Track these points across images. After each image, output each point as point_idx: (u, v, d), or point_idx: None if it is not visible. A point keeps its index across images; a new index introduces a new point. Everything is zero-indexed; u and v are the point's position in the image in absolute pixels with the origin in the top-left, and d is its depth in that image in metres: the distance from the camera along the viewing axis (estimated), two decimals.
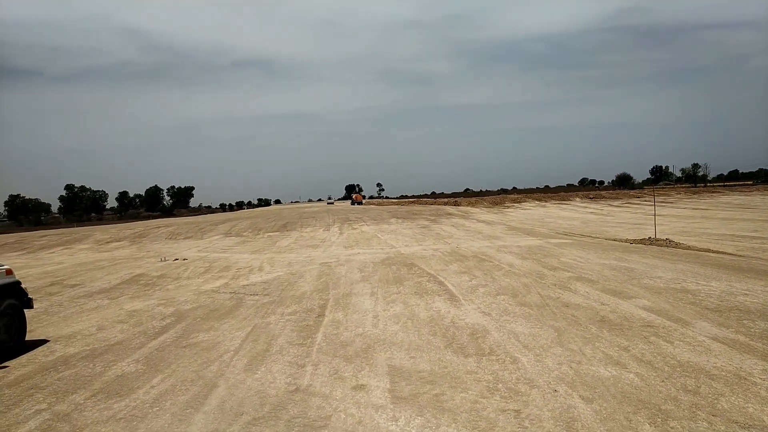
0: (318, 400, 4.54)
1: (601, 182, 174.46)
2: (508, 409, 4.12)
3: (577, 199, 58.90)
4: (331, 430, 3.97)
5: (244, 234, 26.86)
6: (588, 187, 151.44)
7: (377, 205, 70.07)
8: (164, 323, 7.86)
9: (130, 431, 4.11)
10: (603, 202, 53.92)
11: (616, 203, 51.06)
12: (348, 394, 4.64)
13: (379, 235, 21.73)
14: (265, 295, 9.78)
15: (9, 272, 7.10)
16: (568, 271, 10.32)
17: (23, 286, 7.30)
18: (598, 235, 19.87)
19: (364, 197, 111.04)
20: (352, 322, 7.25)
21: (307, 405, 4.46)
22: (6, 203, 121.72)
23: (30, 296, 7.34)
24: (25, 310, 7.13)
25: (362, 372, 5.22)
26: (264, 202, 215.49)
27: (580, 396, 4.28)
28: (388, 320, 7.25)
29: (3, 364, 6.15)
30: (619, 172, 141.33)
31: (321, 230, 26.74)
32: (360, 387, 4.81)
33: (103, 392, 5.02)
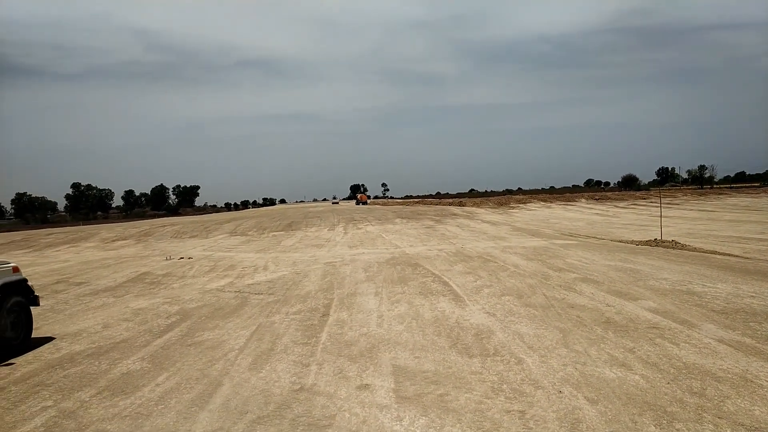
0: (322, 400, 4.55)
1: (607, 183, 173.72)
2: (513, 410, 4.11)
3: (583, 200, 58.73)
4: (336, 429, 3.97)
5: (249, 233, 26.93)
6: (593, 188, 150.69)
7: (382, 205, 70.07)
8: (169, 321, 7.89)
9: (135, 429, 4.13)
10: (608, 203, 53.73)
11: (621, 204, 50.87)
12: (352, 394, 4.64)
13: (383, 235, 21.74)
14: (269, 294, 9.80)
15: (16, 270, 7.14)
16: (574, 273, 10.29)
17: (30, 283, 7.33)
18: (603, 237, 19.80)
19: (368, 197, 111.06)
20: (357, 322, 7.26)
21: (311, 404, 4.46)
22: (13, 201, 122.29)
23: (36, 294, 7.38)
24: (31, 308, 7.17)
25: (367, 372, 5.22)
26: (269, 202, 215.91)
27: (585, 397, 4.26)
28: (392, 320, 7.25)
29: (9, 361, 6.18)
30: (625, 173, 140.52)
31: (326, 230, 26.77)
32: (364, 386, 4.81)
33: (108, 390, 5.04)
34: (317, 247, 18.64)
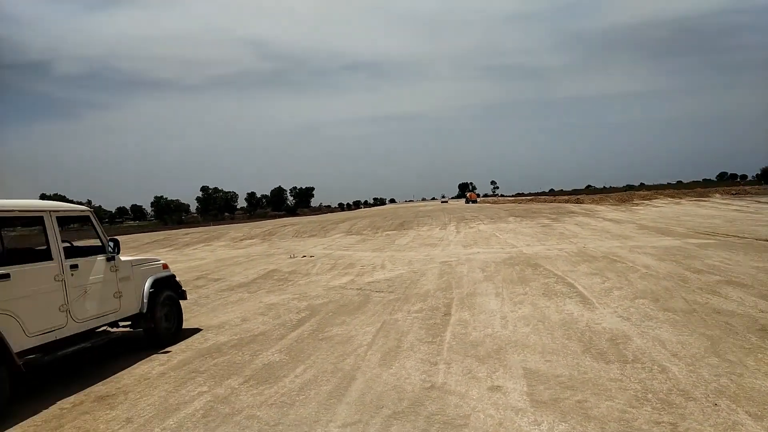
0: (455, 399, 4.57)
1: (744, 176, 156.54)
2: (663, 422, 3.85)
3: (717, 195, 53.44)
4: (472, 429, 3.97)
5: (364, 232, 27.66)
6: (728, 182, 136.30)
7: (492, 203, 68.77)
8: (300, 316, 8.34)
9: (282, 417, 4.42)
10: (748, 198, 48.40)
11: (764, 200, 45.63)
12: (484, 395, 4.61)
13: (497, 234, 21.31)
14: (389, 292, 10.01)
15: (165, 266, 7.91)
16: (716, 275, 9.42)
17: (177, 279, 8.10)
18: (746, 235, 17.90)
19: (478, 195, 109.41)
20: (480, 322, 7.19)
21: (444, 403, 4.50)
22: (152, 204, 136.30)
23: (183, 288, 8.13)
24: (180, 301, 7.93)
25: (496, 373, 5.16)
26: (379, 202, 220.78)
27: (746, 412, 3.89)
28: (517, 321, 7.10)
29: (166, 349, 6.88)
30: (764, 165, 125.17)
31: (438, 229, 26.80)
32: (496, 388, 4.76)
33: (253, 379, 5.44)
34: (431, 246, 18.72)
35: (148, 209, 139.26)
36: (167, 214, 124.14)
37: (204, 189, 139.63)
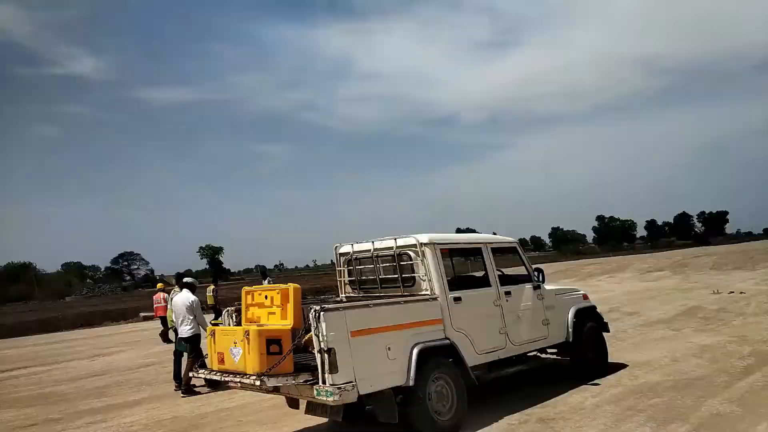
0: None
1: None
2: None
3: None
4: None
5: None
6: None
7: None
8: (745, 363, 7.17)
9: None
10: None
11: None
12: None
13: None
14: None
15: (585, 297, 7.95)
16: None
17: (598, 310, 8.03)
18: None
19: None
20: None
21: None
22: (549, 234, 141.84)
23: (605, 320, 8.00)
24: (603, 334, 7.83)
25: None
26: None
27: None
28: None
29: (594, 381, 6.88)
30: None
31: None
32: None
33: (703, 428, 4.92)
34: None
35: (546, 240, 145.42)
36: (564, 245, 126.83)
37: (599, 218, 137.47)
